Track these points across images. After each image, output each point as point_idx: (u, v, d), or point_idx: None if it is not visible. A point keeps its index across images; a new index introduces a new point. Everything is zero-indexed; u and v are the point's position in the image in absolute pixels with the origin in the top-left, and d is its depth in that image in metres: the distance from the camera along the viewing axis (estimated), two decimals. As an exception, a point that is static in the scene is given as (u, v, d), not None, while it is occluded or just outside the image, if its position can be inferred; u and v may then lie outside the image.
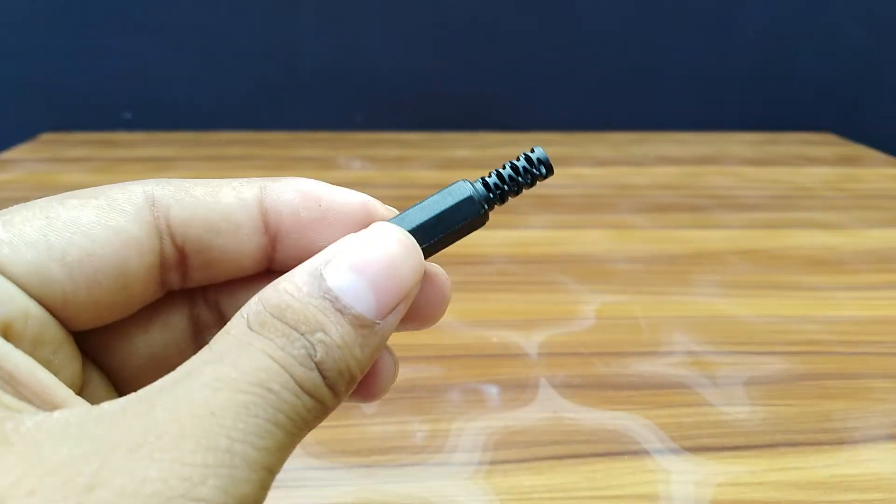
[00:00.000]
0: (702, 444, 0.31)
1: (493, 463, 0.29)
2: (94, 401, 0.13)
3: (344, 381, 0.13)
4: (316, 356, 0.13)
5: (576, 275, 0.48)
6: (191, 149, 0.82)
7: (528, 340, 0.39)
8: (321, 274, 0.14)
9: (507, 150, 0.81)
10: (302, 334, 0.13)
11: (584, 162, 0.79)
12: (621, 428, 0.32)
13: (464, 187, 0.16)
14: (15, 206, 0.14)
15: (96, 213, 0.15)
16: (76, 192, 0.15)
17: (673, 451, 0.30)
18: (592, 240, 0.55)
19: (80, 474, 0.11)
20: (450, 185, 0.16)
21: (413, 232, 0.15)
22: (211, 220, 0.16)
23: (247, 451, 0.12)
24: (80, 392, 0.15)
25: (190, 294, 0.17)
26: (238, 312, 0.13)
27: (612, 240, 0.55)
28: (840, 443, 0.31)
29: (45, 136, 0.87)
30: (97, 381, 0.16)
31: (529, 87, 0.92)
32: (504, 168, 0.17)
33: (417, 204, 0.16)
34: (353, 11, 0.88)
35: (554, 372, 0.36)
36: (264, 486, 0.12)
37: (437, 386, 0.35)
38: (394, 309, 0.14)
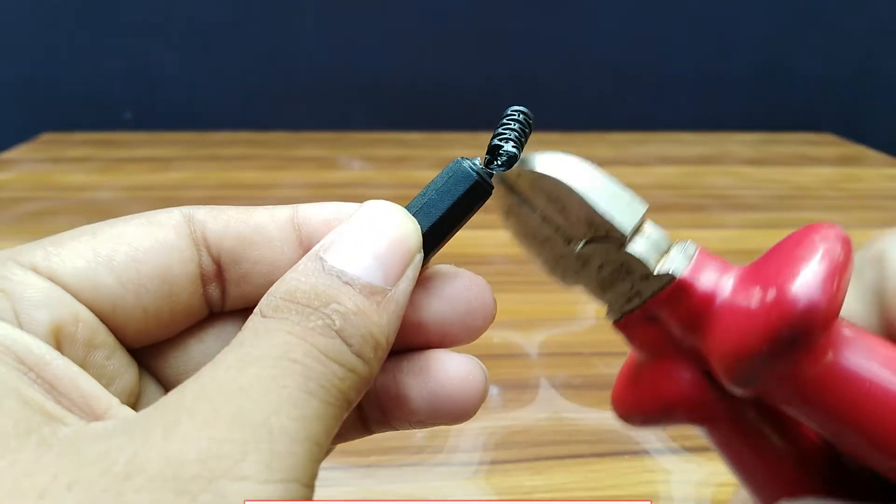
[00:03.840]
0: (702, 444, 0.31)
1: (493, 463, 0.29)
2: None
3: (370, 347, 0.13)
4: (335, 325, 0.13)
5: (576, 275, 0.48)
6: (191, 149, 0.82)
7: (529, 340, 0.39)
8: (320, 257, 0.14)
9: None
10: (316, 308, 0.13)
11: (585, 162, 0.79)
12: (621, 428, 0.32)
13: (456, 161, 0.16)
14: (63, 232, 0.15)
15: (138, 228, 0.15)
16: (120, 217, 0.16)
17: (673, 451, 0.30)
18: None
19: (116, 463, 0.11)
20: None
21: (415, 216, 0.16)
22: (244, 233, 0.16)
23: (283, 422, 0.12)
24: (137, 402, 0.15)
25: (244, 312, 0.17)
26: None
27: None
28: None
29: (46, 136, 0.87)
30: (154, 392, 0.16)
31: (529, 87, 0.92)
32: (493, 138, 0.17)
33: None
34: (353, 12, 0.88)
35: (554, 372, 0.36)
36: (313, 459, 0.12)
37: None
38: (402, 274, 0.14)
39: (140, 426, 0.11)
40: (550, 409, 0.33)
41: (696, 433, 0.32)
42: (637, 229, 0.16)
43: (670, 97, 0.94)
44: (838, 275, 0.14)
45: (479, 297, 0.17)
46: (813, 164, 0.80)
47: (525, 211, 0.16)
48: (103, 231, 0.15)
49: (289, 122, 0.91)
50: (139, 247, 0.15)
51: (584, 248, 0.16)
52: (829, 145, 0.90)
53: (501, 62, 0.91)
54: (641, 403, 0.17)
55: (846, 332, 0.15)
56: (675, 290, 0.15)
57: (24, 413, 0.11)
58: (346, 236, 0.14)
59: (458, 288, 0.16)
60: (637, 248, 0.15)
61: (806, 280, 0.14)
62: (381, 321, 0.14)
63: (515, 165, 0.16)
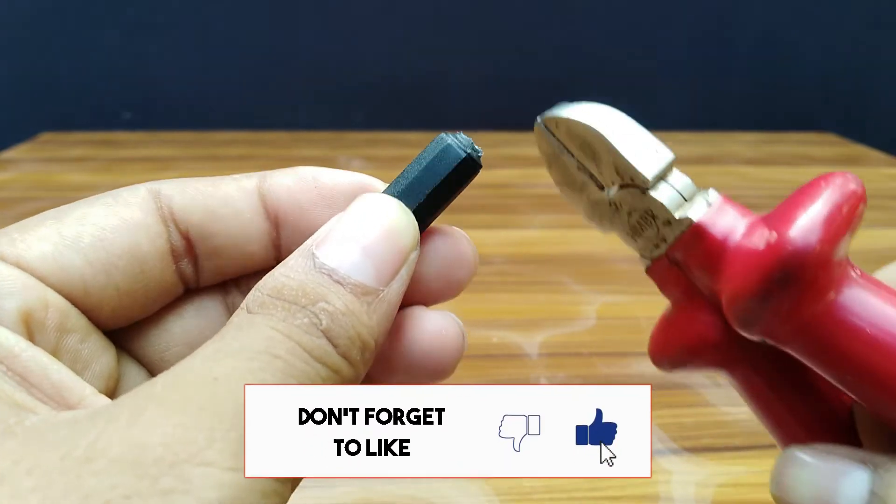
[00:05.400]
0: (703, 444, 0.31)
1: (493, 463, 0.29)
2: None
3: (356, 349, 0.13)
4: (321, 324, 0.13)
5: (576, 275, 0.48)
6: (191, 149, 0.82)
7: (529, 340, 0.39)
8: (312, 253, 0.13)
9: (507, 149, 0.81)
10: (303, 307, 0.13)
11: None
12: (622, 428, 0.32)
13: (441, 137, 0.16)
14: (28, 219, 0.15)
15: (103, 207, 0.15)
16: (84, 199, 0.15)
17: (674, 452, 0.30)
18: (593, 240, 0.55)
19: (76, 447, 0.10)
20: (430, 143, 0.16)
21: (400, 196, 0.15)
22: (211, 206, 0.16)
23: None
24: (117, 385, 0.15)
25: (222, 285, 0.17)
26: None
27: (613, 239, 0.55)
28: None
29: (45, 136, 0.87)
30: (136, 376, 0.16)
31: (529, 87, 0.92)
32: None
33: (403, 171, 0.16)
34: (352, 11, 0.88)
35: (554, 372, 0.36)
36: None
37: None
38: (395, 274, 0.14)
39: (106, 413, 0.11)
40: (550, 410, 0.33)
41: (696, 433, 0.32)
42: (662, 177, 0.16)
43: (670, 97, 0.94)
44: (835, 217, 0.14)
45: (456, 247, 0.16)
46: (813, 164, 0.80)
47: (564, 158, 0.17)
48: (68, 214, 0.15)
49: (288, 121, 0.91)
50: (105, 226, 0.15)
51: (614, 194, 0.17)
52: (829, 145, 0.90)
53: (501, 62, 0.91)
54: (669, 348, 0.18)
55: (853, 273, 0.15)
56: (693, 235, 0.16)
57: None
58: (339, 231, 0.14)
59: (435, 241, 0.16)
60: (660, 194, 0.16)
61: (801, 223, 0.14)
62: (370, 322, 0.13)
63: (554, 114, 0.17)
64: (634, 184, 0.16)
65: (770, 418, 0.18)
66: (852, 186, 0.15)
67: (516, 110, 0.98)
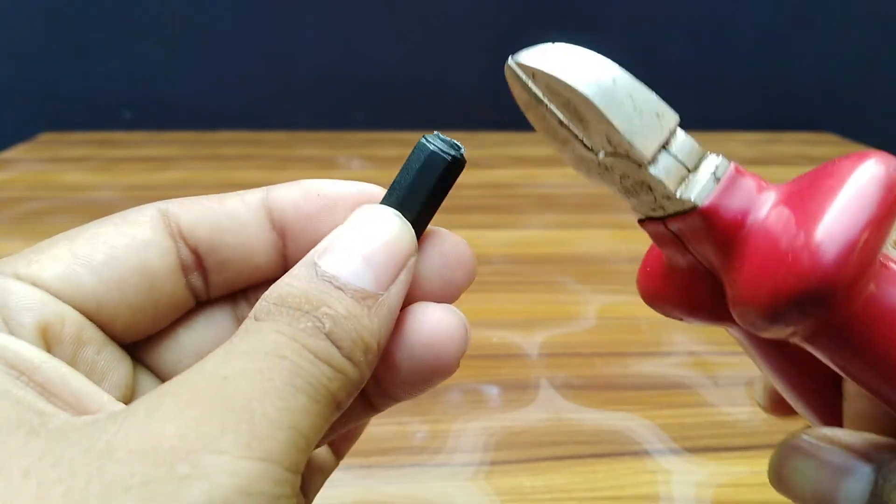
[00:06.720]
0: (703, 444, 0.31)
1: (493, 463, 0.29)
2: None
3: (360, 350, 0.14)
4: (325, 328, 0.13)
5: (576, 275, 0.48)
6: (190, 148, 0.82)
7: (529, 340, 0.39)
8: (315, 262, 0.14)
9: (507, 149, 0.81)
10: (306, 312, 0.13)
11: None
12: (622, 428, 0.32)
13: (422, 144, 0.16)
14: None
15: (114, 227, 0.16)
16: (94, 220, 0.16)
17: (674, 452, 0.30)
18: (593, 239, 0.55)
19: (98, 441, 0.11)
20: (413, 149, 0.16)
21: (395, 206, 0.16)
22: (217, 221, 0.16)
23: (266, 409, 0.12)
24: (133, 396, 0.16)
25: (232, 297, 0.18)
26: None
27: (613, 239, 0.55)
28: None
29: (44, 136, 0.87)
30: (150, 385, 0.16)
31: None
32: None
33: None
34: (352, 11, 0.88)
35: (554, 372, 0.36)
36: (296, 447, 0.12)
37: (438, 386, 0.35)
38: (395, 279, 0.15)
39: (124, 412, 0.12)
40: (551, 410, 0.33)
41: (696, 433, 0.32)
42: (664, 144, 0.14)
43: (670, 97, 0.94)
44: (880, 221, 0.12)
45: (453, 251, 0.17)
46: (814, 164, 0.80)
47: (543, 111, 0.15)
48: (80, 235, 0.15)
49: (288, 121, 0.91)
50: (116, 244, 0.15)
51: (604, 158, 0.14)
52: (829, 145, 0.90)
53: (501, 62, 0.91)
54: (667, 298, 0.17)
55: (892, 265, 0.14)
56: (698, 217, 0.14)
57: (15, 409, 0.12)
58: (339, 241, 0.15)
59: (433, 245, 0.16)
60: (659, 169, 0.14)
61: (836, 229, 0.12)
62: (371, 325, 0.14)
63: (530, 63, 0.14)
64: (629, 157, 0.14)
65: (772, 372, 0.18)
66: (893, 173, 0.13)
67: (516, 110, 0.98)
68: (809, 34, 0.93)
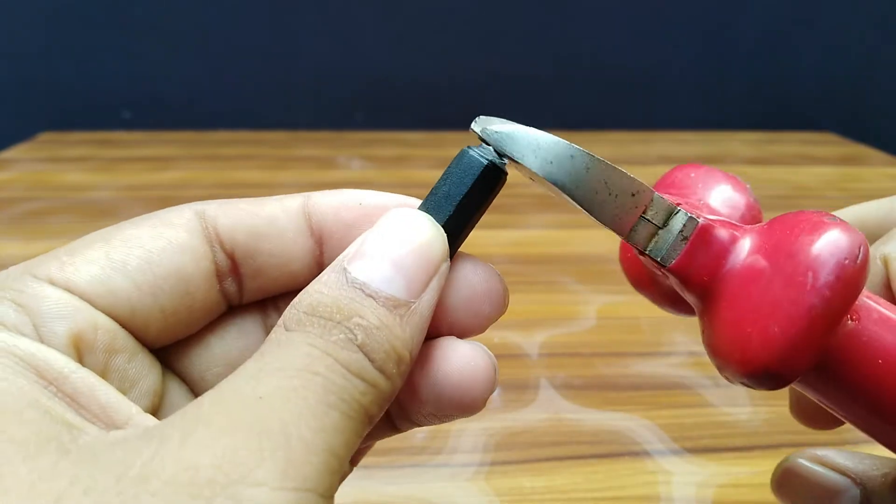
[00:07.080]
0: (703, 444, 0.31)
1: (493, 464, 0.29)
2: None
3: (392, 362, 0.13)
4: (357, 339, 0.13)
5: (576, 275, 0.48)
6: (190, 148, 0.82)
7: (529, 341, 0.39)
8: (344, 268, 0.14)
9: (507, 149, 0.81)
10: (338, 322, 0.13)
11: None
12: (622, 429, 0.32)
13: (463, 150, 0.16)
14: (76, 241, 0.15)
15: (150, 229, 0.15)
16: (130, 220, 0.16)
17: (674, 452, 0.30)
18: (593, 240, 0.55)
19: (132, 468, 0.11)
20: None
21: (428, 210, 0.15)
22: (255, 226, 0.16)
23: (302, 432, 0.12)
24: (161, 402, 0.16)
25: (262, 304, 0.17)
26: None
27: (614, 239, 0.55)
28: (842, 444, 0.31)
29: (44, 136, 0.87)
30: (179, 393, 0.16)
31: (530, 87, 0.92)
32: None
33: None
34: (352, 11, 0.88)
35: (554, 372, 0.36)
36: (331, 470, 0.12)
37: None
38: (426, 286, 0.14)
39: (157, 434, 0.11)
40: (551, 410, 0.33)
41: (696, 433, 0.32)
42: (642, 214, 0.15)
43: (671, 96, 0.94)
44: (826, 318, 0.13)
45: (485, 281, 0.16)
46: (814, 164, 0.80)
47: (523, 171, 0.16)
48: (115, 236, 0.15)
49: (288, 121, 0.91)
50: (152, 248, 0.15)
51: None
52: (829, 145, 0.90)
53: (502, 61, 0.91)
54: (651, 291, 0.18)
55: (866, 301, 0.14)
56: (669, 272, 0.15)
57: (44, 422, 0.12)
58: (369, 246, 0.14)
59: (465, 271, 0.16)
60: (637, 236, 0.15)
61: (787, 334, 0.13)
62: (404, 335, 0.14)
63: (499, 145, 0.15)
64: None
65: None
66: (851, 262, 0.13)
67: (517, 110, 0.98)
68: (809, 34, 0.93)
